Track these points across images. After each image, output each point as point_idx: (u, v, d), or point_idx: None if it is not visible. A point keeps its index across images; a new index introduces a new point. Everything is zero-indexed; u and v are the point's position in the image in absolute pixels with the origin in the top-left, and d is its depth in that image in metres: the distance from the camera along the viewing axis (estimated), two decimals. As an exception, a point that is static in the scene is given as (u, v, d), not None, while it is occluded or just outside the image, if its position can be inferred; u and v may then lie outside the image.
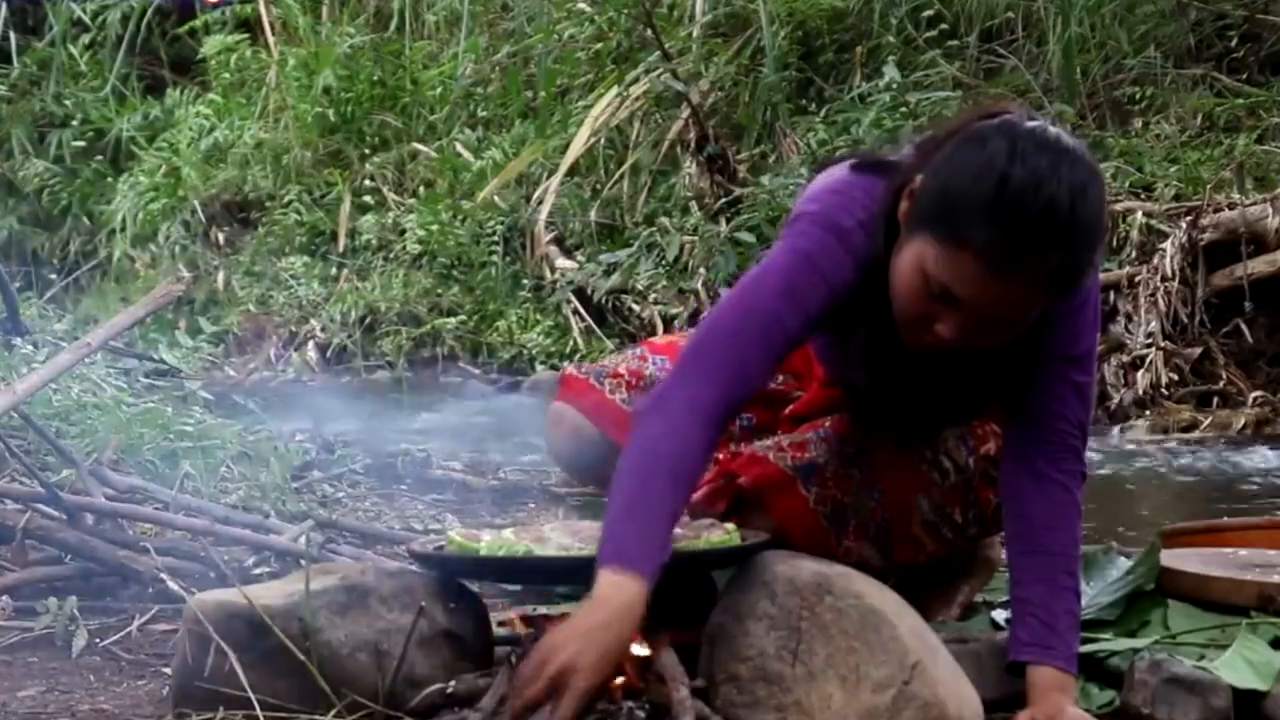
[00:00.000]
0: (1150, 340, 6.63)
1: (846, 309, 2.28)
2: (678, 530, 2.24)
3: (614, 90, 9.12)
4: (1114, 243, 7.22)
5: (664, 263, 8.50)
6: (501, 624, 2.41)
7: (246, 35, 11.51)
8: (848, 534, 2.45)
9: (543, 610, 2.58)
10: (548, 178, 9.30)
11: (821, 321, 2.25)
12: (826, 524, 2.44)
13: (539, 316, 8.92)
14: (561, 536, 2.24)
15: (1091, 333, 2.33)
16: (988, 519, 2.52)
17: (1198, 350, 6.67)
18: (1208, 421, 6.24)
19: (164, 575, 2.88)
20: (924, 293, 2.13)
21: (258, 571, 2.97)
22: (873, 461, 2.48)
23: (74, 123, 11.64)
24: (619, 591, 1.99)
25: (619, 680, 2.15)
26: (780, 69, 9.00)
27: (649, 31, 8.93)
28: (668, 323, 8.08)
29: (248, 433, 4.08)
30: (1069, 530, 2.27)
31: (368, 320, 9.38)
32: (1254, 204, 6.78)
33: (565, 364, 7.82)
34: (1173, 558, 2.60)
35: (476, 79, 10.68)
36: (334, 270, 9.89)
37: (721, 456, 2.51)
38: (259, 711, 2.14)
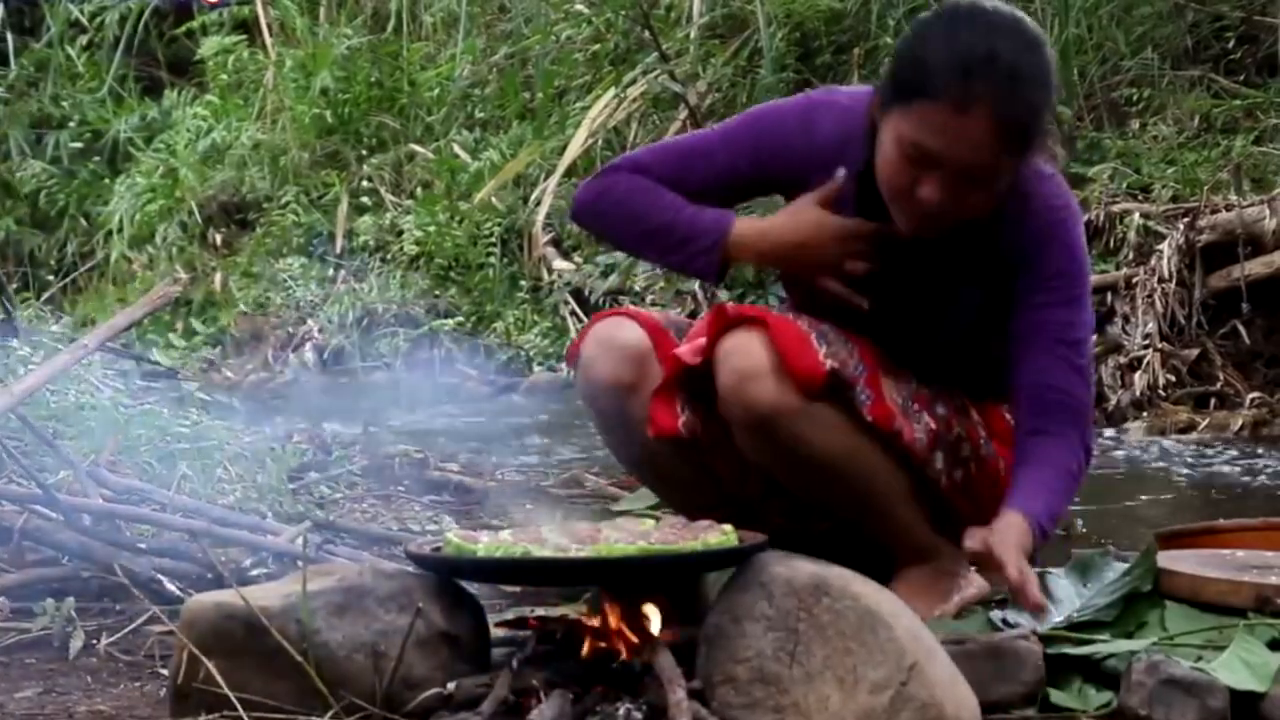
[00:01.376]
0: (1147, 342, 6.62)
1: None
2: (674, 532, 2.24)
3: (611, 91, 9.11)
4: (1111, 244, 7.22)
5: (662, 264, 8.48)
6: (499, 625, 2.41)
7: (244, 36, 11.49)
8: (828, 346, 2.46)
9: (540, 612, 2.58)
10: (545, 179, 9.29)
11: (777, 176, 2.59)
12: (806, 329, 2.46)
13: (536, 318, 8.91)
14: (559, 538, 2.24)
15: (1086, 316, 2.57)
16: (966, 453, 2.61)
17: (1195, 352, 6.66)
18: (1205, 423, 6.24)
19: (161, 576, 2.88)
20: (902, 161, 2.39)
21: (255, 573, 2.97)
22: (846, 334, 2.54)
23: (71, 124, 11.62)
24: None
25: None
26: (778, 70, 9.00)
27: (646, 33, 8.92)
28: (665, 324, 8.06)
29: (245, 434, 4.07)
30: (1065, 461, 2.49)
31: (365, 321, 9.37)
32: (1251, 205, 6.78)
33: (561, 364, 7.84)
34: (1170, 559, 2.61)
35: (474, 80, 10.66)
36: (331, 271, 9.87)
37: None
38: (256, 713, 2.14)
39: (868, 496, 2.56)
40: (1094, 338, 2.66)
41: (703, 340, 2.50)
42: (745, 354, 2.44)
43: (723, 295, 8.04)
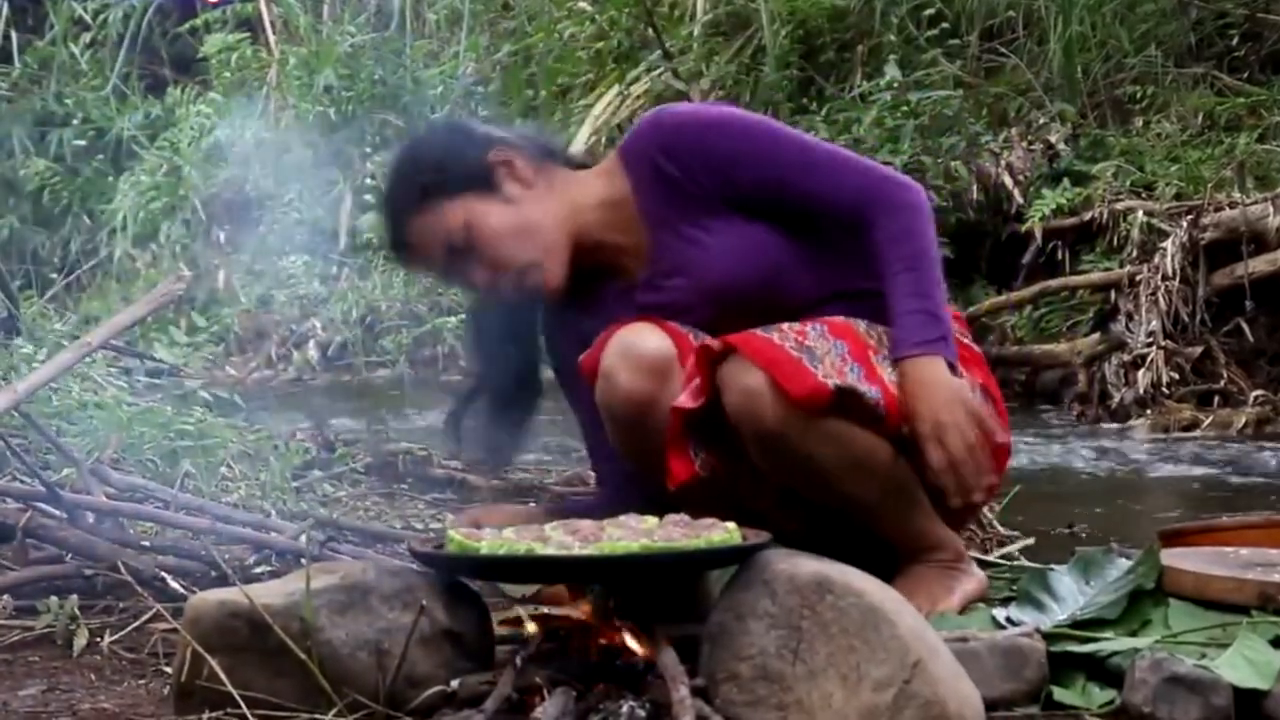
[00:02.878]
0: (1151, 339, 6.63)
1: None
2: (677, 530, 2.24)
3: (615, 89, 9.12)
4: (1115, 242, 7.23)
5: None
6: (503, 623, 2.41)
7: (247, 34, 11.49)
8: (823, 365, 2.44)
9: (544, 610, 2.57)
10: (548, 177, 9.28)
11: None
12: (795, 353, 2.44)
13: (539, 316, 8.91)
14: (562, 536, 2.24)
15: (787, 138, 2.63)
16: None
17: (1198, 349, 6.67)
18: (1209, 420, 6.24)
19: (164, 574, 2.88)
20: (458, 287, 2.82)
21: (258, 570, 2.97)
22: (823, 325, 2.53)
23: (75, 121, 11.63)
24: None
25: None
26: (781, 68, 9.00)
27: (650, 30, 8.93)
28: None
29: (248, 432, 4.07)
30: (891, 245, 2.52)
31: (368, 319, 9.38)
32: (1255, 203, 6.78)
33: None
34: (1173, 557, 2.60)
35: (477, 78, 10.67)
36: (334, 269, 9.88)
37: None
38: (259, 710, 2.14)
39: (879, 492, 2.55)
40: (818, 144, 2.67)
41: (698, 381, 2.49)
42: (747, 376, 2.44)
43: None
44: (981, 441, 2.46)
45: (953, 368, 2.49)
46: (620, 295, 2.70)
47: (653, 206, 2.64)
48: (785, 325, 2.51)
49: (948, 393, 2.45)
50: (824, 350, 2.47)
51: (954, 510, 2.59)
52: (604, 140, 9.22)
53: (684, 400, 2.49)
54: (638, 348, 2.53)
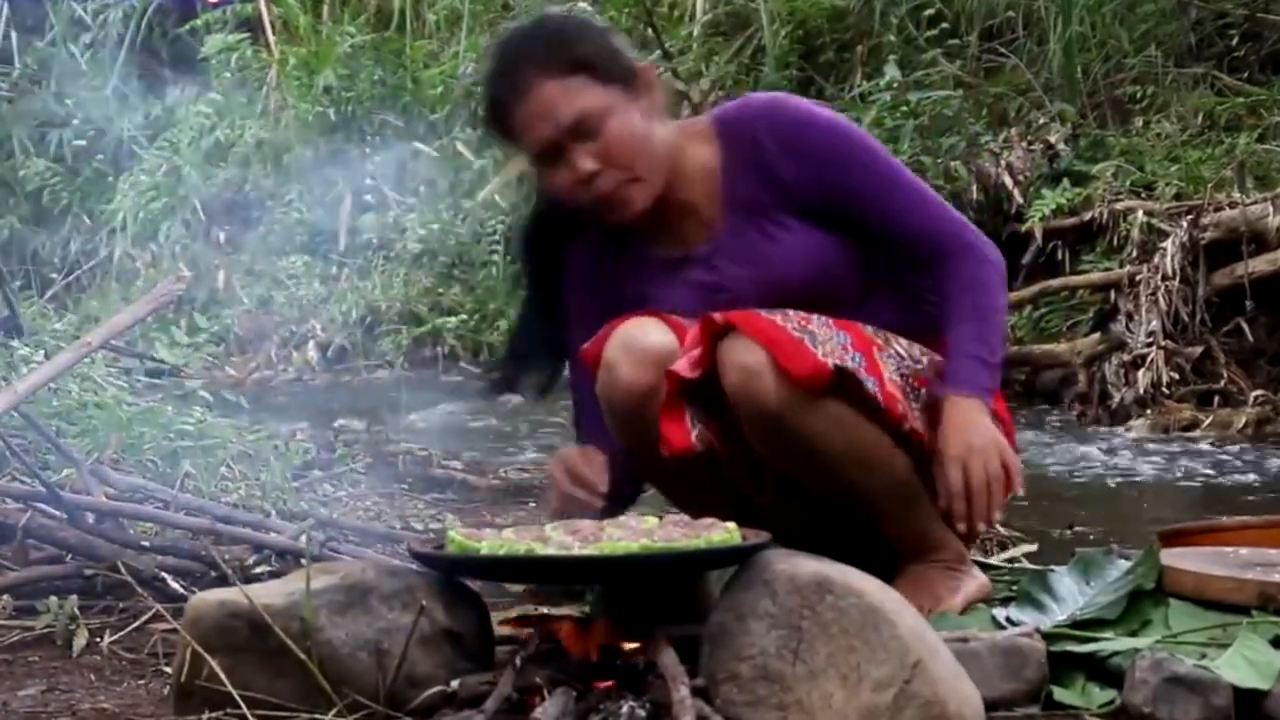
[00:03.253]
0: (1151, 339, 6.62)
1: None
2: (677, 530, 2.24)
3: (615, 89, 9.10)
4: (1115, 242, 7.22)
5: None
6: (503, 623, 2.41)
7: (247, 34, 11.48)
8: (823, 347, 2.45)
9: (543, 610, 2.58)
10: (548, 177, 9.28)
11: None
12: (796, 334, 2.44)
13: (539, 316, 8.90)
14: (562, 536, 2.24)
15: (887, 163, 2.64)
16: None
17: (1199, 349, 6.66)
18: (1209, 420, 6.24)
19: (164, 574, 2.88)
20: (549, 175, 2.57)
21: (258, 570, 2.97)
22: (828, 316, 2.53)
23: (75, 122, 11.62)
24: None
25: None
26: (781, 68, 9.00)
27: (650, 30, 8.92)
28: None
29: (248, 432, 4.07)
30: (965, 292, 2.56)
31: (368, 319, 9.37)
32: (1255, 203, 6.78)
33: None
34: (1173, 557, 2.60)
35: (477, 78, 10.65)
36: (334, 269, 9.88)
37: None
38: (259, 710, 2.14)
39: (879, 487, 2.55)
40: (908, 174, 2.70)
41: (698, 352, 2.49)
42: (747, 353, 2.43)
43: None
44: (1002, 480, 2.47)
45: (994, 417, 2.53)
46: (667, 264, 2.66)
47: (741, 188, 2.62)
48: (790, 311, 2.51)
49: (985, 431, 2.48)
50: (826, 336, 2.47)
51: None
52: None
53: (681, 366, 2.47)
54: (640, 341, 2.53)
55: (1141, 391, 6.47)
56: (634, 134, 2.55)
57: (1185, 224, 6.85)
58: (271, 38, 11.36)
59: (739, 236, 2.62)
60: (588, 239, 2.68)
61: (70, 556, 2.97)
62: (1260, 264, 6.67)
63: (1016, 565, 3.09)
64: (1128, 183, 7.49)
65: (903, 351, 2.58)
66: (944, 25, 8.75)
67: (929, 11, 8.83)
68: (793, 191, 2.59)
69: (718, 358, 2.46)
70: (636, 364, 2.51)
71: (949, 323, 2.56)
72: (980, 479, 2.45)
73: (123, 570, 2.86)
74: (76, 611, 2.76)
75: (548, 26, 2.63)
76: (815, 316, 2.50)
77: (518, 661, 2.17)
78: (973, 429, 2.47)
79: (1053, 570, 2.65)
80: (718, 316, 2.47)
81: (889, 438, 2.51)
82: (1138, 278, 6.84)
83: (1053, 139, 8.00)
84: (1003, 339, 2.58)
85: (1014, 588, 2.73)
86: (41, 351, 4.14)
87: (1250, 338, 6.75)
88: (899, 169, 2.66)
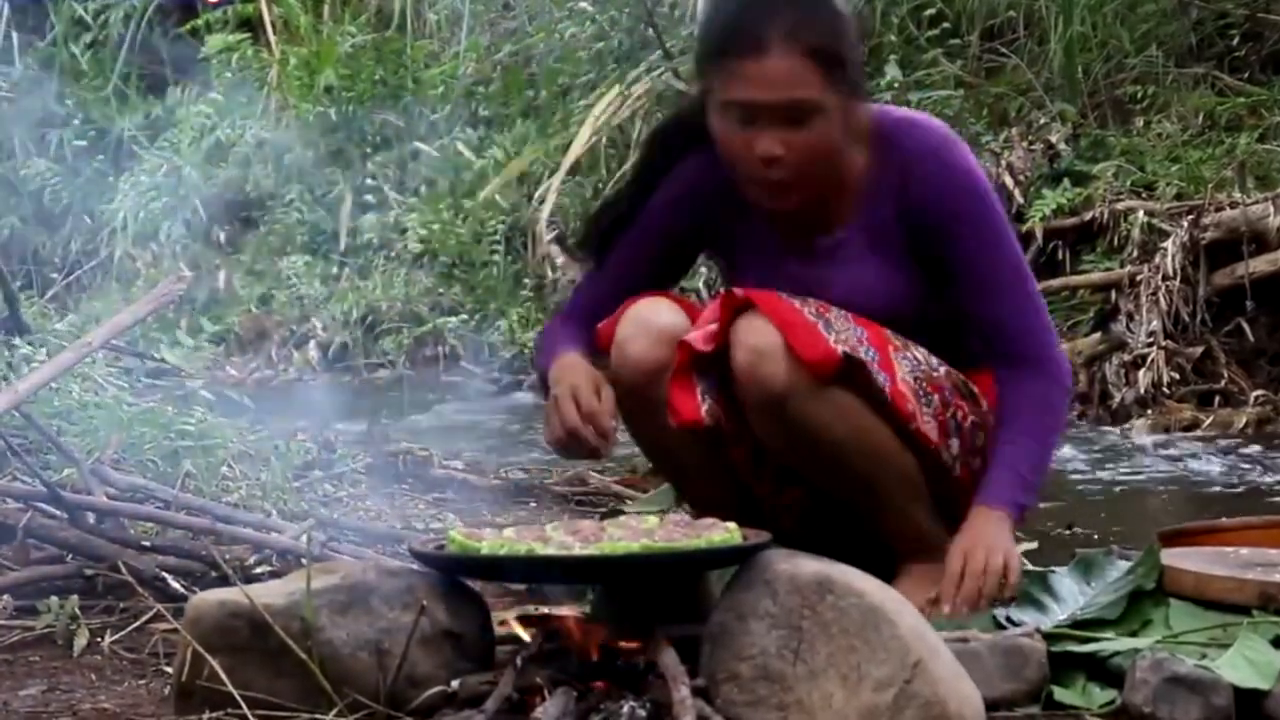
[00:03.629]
0: (1152, 339, 6.62)
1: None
2: (677, 530, 2.25)
3: (616, 89, 9.10)
4: (1115, 242, 7.22)
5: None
6: (502, 624, 2.41)
7: (248, 34, 11.48)
8: (835, 334, 2.46)
9: (543, 610, 2.58)
10: (549, 177, 9.29)
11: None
12: (812, 318, 2.46)
13: (541, 316, 8.90)
14: (563, 535, 2.24)
15: (1012, 250, 2.63)
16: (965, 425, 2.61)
17: (1199, 349, 6.66)
18: (1209, 420, 6.24)
19: (165, 574, 2.88)
20: (730, 127, 2.46)
21: (259, 570, 2.97)
22: (850, 315, 2.54)
23: (75, 122, 11.62)
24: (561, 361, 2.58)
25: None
26: (781, 68, 8.98)
27: (650, 31, 8.92)
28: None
29: (249, 432, 4.07)
30: (1034, 408, 2.57)
31: (369, 319, 9.38)
32: (1255, 203, 6.77)
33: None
34: (1174, 557, 2.60)
35: (478, 78, 10.66)
36: (335, 269, 9.88)
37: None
38: (260, 710, 2.14)
39: (880, 481, 2.55)
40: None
41: (713, 326, 2.49)
42: (759, 334, 2.44)
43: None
44: (999, 576, 2.47)
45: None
46: (773, 244, 2.63)
47: (875, 213, 2.60)
48: (811, 299, 2.52)
49: (1003, 539, 2.48)
50: (842, 328, 2.49)
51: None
52: (604, 140, 9.23)
53: (695, 338, 2.48)
54: (653, 320, 2.55)
55: (1142, 391, 6.47)
56: (830, 144, 2.50)
57: (1186, 224, 6.85)
58: (272, 37, 11.36)
59: (853, 250, 2.60)
60: (712, 160, 2.58)
61: (71, 556, 2.97)
62: (1261, 264, 6.67)
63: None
64: (1128, 183, 7.48)
65: (920, 357, 2.58)
66: (945, 25, 8.75)
67: (930, 11, 8.83)
68: (918, 235, 2.58)
69: (731, 335, 2.47)
70: (649, 341, 2.53)
71: (1003, 429, 2.57)
72: (977, 568, 2.46)
73: (123, 570, 2.86)
74: (77, 611, 2.76)
75: (799, 4, 2.47)
76: (836, 309, 2.52)
77: (518, 661, 2.17)
78: (989, 535, 2.48)
79: (1053, 570, 2.65)
80: (738, 291, 2.48)
81: (894, 434, 2.51)
82: (1138, 278, 6.84)
83: (1053, 139, 7.99)
84: (1049, 461, 2.61)
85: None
86: (42, 351, 4.14)
87: (1251, 338, 6.75)
88: (1021, 260, 2.65)
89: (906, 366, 2.54)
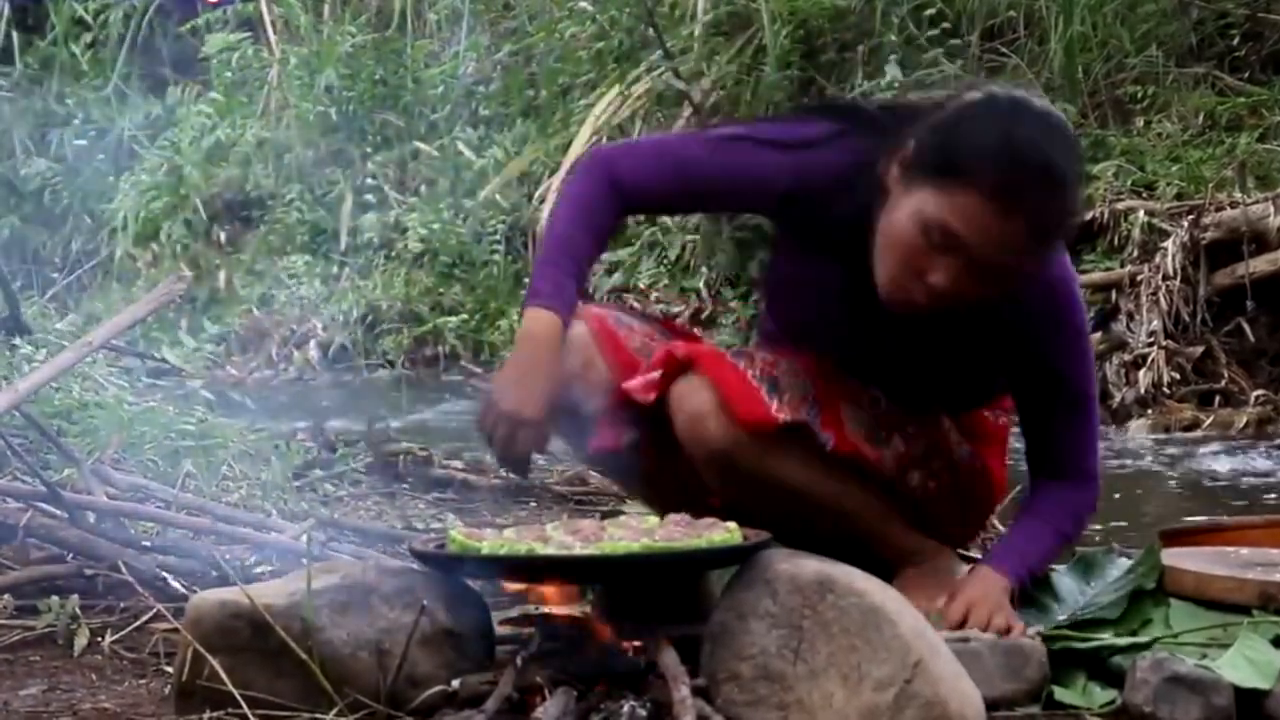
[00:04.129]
0: (1152, 339, 6.63)
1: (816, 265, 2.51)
2: (678, 530, 2.24)
3: (616, 89, 9.11)
4: (1115, 241, 7.22)
5: (666, 261, 8.51)
6: (502, 623, 2.41)
7: (248, 34, 11.50)
8: (781, 399, 2.44)
9: (544, 609, 2.58)
10: (549, 176, 9.30)
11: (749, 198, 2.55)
12: (755, 382, 2.45)
13: (540, 315, 8.91)
14: (563, 535, 2.24)
15: (1089, 369, 2.60)
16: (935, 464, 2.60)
17: (1199, 349, 6.67)
18: (1209, 420, 6.24)
19: (165, 574, 2.88)
20: (921, 242, 2.31)
21: (259, 570, 2.97)
22: (806, 364, 2.52)
23: (76, 121, 11.64)
24: (539, 323, 2.44)
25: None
26: (782, 68, 9.00)
27: (651, 30, 8.93)
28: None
29: (249, 431, 4.08)
30: (1058, 519, 2.57)
31: (369, 319, 9.39)
32: (1256, 203, 6.78)
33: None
34: (1174, 556, 2.60)
35: (478, 78, 10.68)
36: (335, 269, 9.89)
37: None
38: (260, 710, 2.14)
39: (840, 517, 2.56)
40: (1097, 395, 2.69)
41: (655, 376, 2.50)
42: (695, 398, 2.45)
43: (726, 292, 8.05)
44: (1001, 630, 2.42)
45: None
46: (842, 285, 2.52)
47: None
48: (759, 354, 2.51)
49: (1006, 604, 2.44)
50: (789, 384, 2.48)
51: (950, 534, 2.68)
52: (605, 139, 9.22)
53: (635, 387, 2.50)
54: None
55: (1142, 391, 6.48)
56: (1001, 294, 2.41)
57: (1186, 224, 6.85)
58: (272, 37, 11.37)
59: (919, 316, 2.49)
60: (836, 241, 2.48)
61: (71, 556, 2.96)
62: (1261, 264, 6.68)
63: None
64: (1129, 182, 7.49)
65: (884, 402, 2.58)
66: (945, 25, 8.75)
67: (930, 11, 8.83)
68: (1007, 340, 2.52)
69: (670, 396, 2.48)
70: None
71: (1029, 514, 2.58)
72: (980, 623, 2.40)
73: (123, 570, 2.86)
74: (77, 611, 2.76)
75: (1070, 176, 2.33)
76: (783, 361, 2.50)
77: (518, 661, 2.17)
78: (994, 597, 2.44)
79: (1053, 570, 2.65)
80: (679, 352, 2.48)
81: (847, 472, 2.53)
82: (1139, 277, 6.84)
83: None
84: (1051, 562, 2.60)
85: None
86: (43, 351, 4.14)
87: (1251, 337, 6.75)
88: (1093, 385, 2.59)
89: (852, 412, 2.53)
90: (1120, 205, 7.28)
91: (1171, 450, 5.78)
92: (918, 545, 2.62)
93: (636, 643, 2.24)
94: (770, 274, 2.74)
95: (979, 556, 2.98)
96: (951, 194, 2.28)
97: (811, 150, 2.50)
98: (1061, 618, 2.48)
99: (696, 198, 2.65)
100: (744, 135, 2.55)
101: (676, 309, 8.21)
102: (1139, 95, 8.30)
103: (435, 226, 9.57)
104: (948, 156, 2.30)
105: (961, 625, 2.39)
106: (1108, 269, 7.13)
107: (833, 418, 2.49)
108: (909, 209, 2.32)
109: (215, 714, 2.17)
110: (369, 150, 10.61)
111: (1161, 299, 6.71)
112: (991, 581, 2.46)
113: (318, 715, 2.14)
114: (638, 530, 2.25)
